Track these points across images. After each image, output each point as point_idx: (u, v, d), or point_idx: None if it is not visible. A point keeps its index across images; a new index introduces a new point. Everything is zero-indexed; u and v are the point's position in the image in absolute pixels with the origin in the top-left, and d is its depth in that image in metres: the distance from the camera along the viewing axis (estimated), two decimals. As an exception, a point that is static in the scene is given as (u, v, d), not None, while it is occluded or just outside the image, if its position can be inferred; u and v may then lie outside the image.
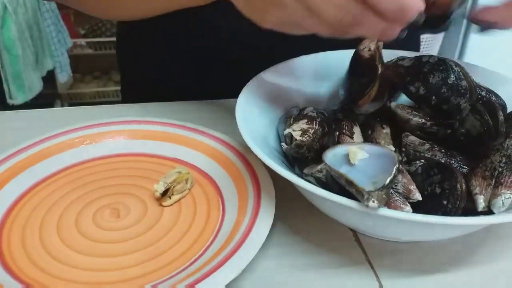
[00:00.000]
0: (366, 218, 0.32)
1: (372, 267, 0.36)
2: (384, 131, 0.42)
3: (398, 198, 0.32)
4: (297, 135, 0.37)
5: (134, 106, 0.58)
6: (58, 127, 0.47)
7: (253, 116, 0.42)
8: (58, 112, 0.57)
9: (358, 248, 0.38)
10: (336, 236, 0.39)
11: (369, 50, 0.45)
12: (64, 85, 2.27)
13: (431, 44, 2.18)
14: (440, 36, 2.20)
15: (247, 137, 0.37)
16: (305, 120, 0.38)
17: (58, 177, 0.43)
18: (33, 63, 1.65)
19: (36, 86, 1.67)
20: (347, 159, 0.34)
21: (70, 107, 0.59)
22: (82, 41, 2.34)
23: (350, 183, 0.30)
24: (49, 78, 1.91)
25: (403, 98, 0.46)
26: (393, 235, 0.36)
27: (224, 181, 0.43)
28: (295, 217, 0.41)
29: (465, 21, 2.08)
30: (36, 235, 0.37)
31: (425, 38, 2.14)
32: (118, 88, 0.83)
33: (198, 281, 0.31)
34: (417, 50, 0.75)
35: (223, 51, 0.58)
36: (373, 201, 0.28)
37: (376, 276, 0.36)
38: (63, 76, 1.95)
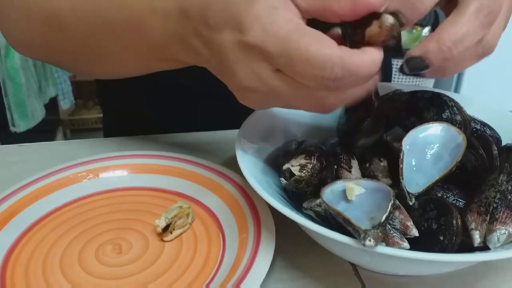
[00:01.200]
0: (364, 254, 0.33)
1: (372, 302, 0.37)
2: (382, 164, 0.43)
3: (395, 234, 0.33)
4: (295, 170, 0.38)
5: (135, 138, 0.58)
6: (60, 161, 0.48)
7: (252, 151, 0.42)
8: (58, 146, 0.58)
9: (358, 282, 0.38)
10: (336, 270, 0.40)
11: (366, 84, 0.46)
12: (66, 111, 2.30)
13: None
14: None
15: (247, 173, 0.38)
16: (304, 155, 0.39)
17: (61, 212, 0.44)
18: (36, 91, 1.67)
19: (38, 114, 1.69)
20: (344, 195, 0.35)
21: (71, 140, 0.59)
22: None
23: (347, 221, 0.31)
24: (51, 105, 1.93)
25: (399, 131, 0.47)
26: (391, 270, 0.36)
27: (225, 214, 0.43)
28: (295, 251, 0.41)
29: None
30: (39, 272, 0.38)
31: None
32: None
33: (199, 319, 0.31)
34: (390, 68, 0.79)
35: (212, 84, 0.59)
36: (369, 240, 0.28)
37: (376, 311, 0.36)
38: (66, 103, 1.97)
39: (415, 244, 0.33)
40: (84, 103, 2.54)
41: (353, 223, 0.30)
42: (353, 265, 0.40)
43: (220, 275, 0.37)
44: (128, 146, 0.55)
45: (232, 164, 0.50)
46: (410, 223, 0.33)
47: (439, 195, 0.38)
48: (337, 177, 0.41)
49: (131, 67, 0.48)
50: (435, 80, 2.22)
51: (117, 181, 0.48)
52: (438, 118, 0.41)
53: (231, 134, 0.59)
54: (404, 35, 2.19)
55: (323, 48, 0.30)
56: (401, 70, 0.37)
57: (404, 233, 0.33)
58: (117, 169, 0.48)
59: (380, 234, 0.29)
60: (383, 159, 0.43)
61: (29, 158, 0.55)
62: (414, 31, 2.24)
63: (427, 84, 2.18)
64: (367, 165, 0.43)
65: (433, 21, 2.25)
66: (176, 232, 0.41)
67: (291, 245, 0.41)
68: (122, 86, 0.67)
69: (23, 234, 0.41)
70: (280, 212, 0.40)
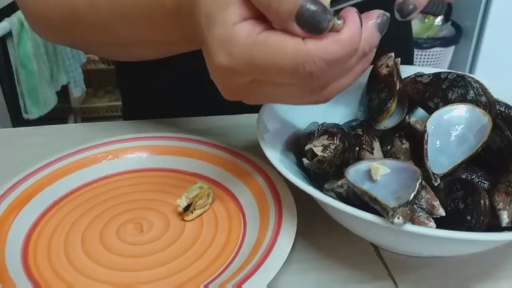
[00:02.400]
0: (389, 234, 0.32)
1: (395, 282, 0.36)
2: (404, 146, 0.42)
3: (421, 213, 0.32)
4: (318, 150, 0.37)
5: (152, 121, 0.58)
6: (78, 143, 0.48)
7: (272, 133, 0.42)
8: (76, 128, 0.58)
9: (380, 263, 0.38)
10: (357, 251, 0.39)
11: (387, 66, 0.45)
12: (78, 99, 2.30)
13: (441, 57, 2.18)
14: (450, 50, 2.20)
15: (269, 153, 0.37)
16: (326, 136, 0.39)
17: (81, 192, 0.44)
18: (48, 78, 1.68)
19: (51, 101, 1.69)
20: (368, 175, 0.35)
21: (87, 123, 0.59)
22: (95, 56, 2.37)
23: (374, 200, 0.30)
24: (63, 93, 1.94)
25: (421, 113, 0.47)
26: (416, 251, 0.36)
27: (245, 196, 0.43)
28: (315, 233, 0.41)
29: (476, 34, 2.09)
30: (61, 249, 0.38)
31: (435, 52, 2.14)
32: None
33: (223, 296, 0.31)
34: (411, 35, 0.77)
35: None
36: (398, 218, 0.28)
37: (399, 291, 0.36)
38: (77, 91, 1.98)
39: (441, 225, 0.32)
40: (95, 92, 2.55)
41: (381, 201, 0.30)
42: (375, 247, 0.40)
43: (241, 254, 0.37)
44: (145, 130, 0.55)
45: (252, 147, 0.50)
46: (436, 203, 0.33)
47: (463, 176, 0.37)
48: (359, 159, 0.40)
49: (149, 51, 0.49)
50: (449, 63, 2.20)
51: (136, 162, 0.48)
52: (462, 100, 0.40)
53: (251, 118, 0.59)
54: (417, 24, 2.17)
55: (288, 51, 0.29)
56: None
57: (430, 212, 0.33)
58: (136, 151, 0.48)
59: (408, 212, 0.29)
60: (405, 141, 0.42)
61: (45, 140, 0.55)
62: (426, 20, 2.21)
63: (441, 66, 2.16)
64: (389, 147, 0.43)
65: (446, 11, 2.22)
66: (197, 212, 0.41)
67: (312, 226, 0.41)
68: (142, 73, 0.67)
69: (44, 212, 0.41)
70: (300, 195, 0.40)
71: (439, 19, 2.22)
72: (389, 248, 0.38)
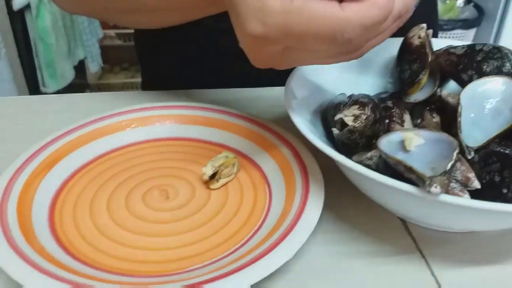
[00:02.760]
0: (422, 205, 0.32)
1: (423, 256, 0.36)
2: (434, 120, 0.41)
3: (456, 185, 0.32)
4: (349, 120, 0.37)
5: (176, 92, 0.58)
6: (102, 110, 0.48)
7: (300, 101, 0.41)
8: (98, 97, 0.58)
9: (408, 237, 0.38)
10: (384, 225, 0.39)
11: (419, 37, 0.44)
12: (94, 75, 2.31)
13: (462, 39, 2.13)
14: (471, 32, 2.15)
15: (296, 120, 0.37)
16: (357, 106, 0.38)
17: (105, 158, 0.44)
18: (66, 52, 1.68)
19: (68, 75, 1.70)
20: (401, 146, 0.34)
21: (109, 92, 0.59)
22: (112, 32, 2.36)
23: (410, 169, 0.29)
24: (79, 69, 1.94)
25: (451, 87, 0.45)
26: (448, 224, 0.35)
27: (271, 167, 0.43)
28: (341, 206, 0.40)
29: (498, 17, 2.04)
30: (86, 213, 0.38)
31: (456, 34, 2.10)
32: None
33: (251, 262, 0.31)
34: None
35: None
36: (436, 187, 0.27)
37: (428, 265, 0.35)
38: (94, 66, 1.98)
39: (475, 198, 0.32)
40: (110, 68, 2.55)
41: (417, 171, 0.29)
42: (402, 221, 0.39)
43: (268, 223, 0.36)
44: (169, 100, 0.55)
45: (278, 119, 0.50)
46: (471, 175, 0.32)
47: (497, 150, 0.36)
48: (388, 131, 0.39)
49: (171, 17, 0.49)
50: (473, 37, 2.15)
51: (161, 130, 0.47)
52: (498, 72, 0.39)
53: (274, 90, 0.58)
54: (438, 5, 2.12)
55: (326, 19, 0.28)
56: None
57: (465, 185, 0.32)
58: (160, 120, 0.48)
59: (446, 181, 0.28)
60: (436, 115, 0.41)
61: (67, 108, 0.55)
62: (448, 1, 2.16)
63: (466, 38, 2.11)
64: (419, 121, 0.42)
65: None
66: (222, 181, 0.41)
67: (338, 199, 0.41)
68: (165, 49, 0.66)
69: (69, 177, 0.41)
70: (325, 168, 0.39)
71: (461, 0, 2.17)
72: (418, 221, 0.37)
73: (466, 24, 2.10)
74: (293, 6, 0.28)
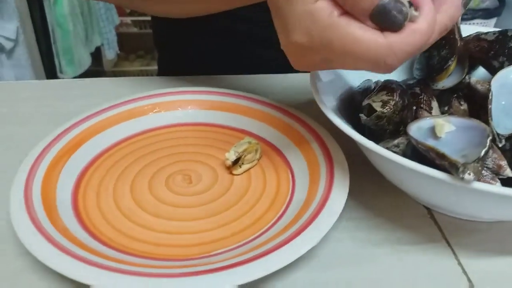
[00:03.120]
0: (451, 193, 0.31)
1: (450, 245, 0.35)
2: (462, 107, 0.40)
3: (487, 173, 0.31)
4: (377, 106, 0.36)
5: (197, 78, 0.58)
6: (124, 95, 0.48)
7: (326, 86, 0.41)
8: (120, 81, 0.58)
9: (433, 225, 0.37)
10: (409, 213, 0.38)
11: (448, 23, 0.43)
12: (110, 62, 2.32)
13: (482, 30, 2.09)
14: (491, 22, 2.11)
15: (324, 107, 0.36)
16: (385, 92, 0.37)
17: (128, 142, 0.44)
18: (83, 39, 1.69)
19: (85, 61, 1.70)
20: (431, 133, 0.33)
21: (131, 77, 0.59)
22: (128, 20, 2.37)
23: (442, 155, 0.29)
24: (95, 56, 1.95)
25: (479, 74, 0.44)
26: (477, 213, 0.35)
27: (293, 154, 0.42)
28: (366, 193, 0.40)
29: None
30: (110, 196, 0.38)
31: (476, 24, 2.06)
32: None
33: (276, 248, 0.31)
34: None
35: (265, 29, 0.57)
36: (469, 173, 0.27)
37: (454, 253, 0.35)
38: (111, 53, 1.98)
39: (506, 186, 0.31)
40: (126, 56, 2.56)
41: (449, 157, 0.28)
42: (428, 209, 0.39)
43: (292, 209, 0.36)
44: (189, 85, 0.54)
45: (301, 106, 0.49)
46: (504, 163, 0.31)
47: (528, 139, 0.35)
48: (416, 118, 0.39)
49: (197, 5, 0.48)
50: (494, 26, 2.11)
51: (183, 116, 0.47)
52: (531, 59, 0.38)
53: (297, 77, 0.58)
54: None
55: (370, 45, 0.28)
56: None
57: (496, 173, 0.31)
58: (183, 105, 0.48)
59: (479, 168, 0.27)
60: (463, 103, 0.41)
61: (89, 92, 0.55)
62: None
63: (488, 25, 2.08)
64: (446, 108, 0.41)
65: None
66: (245, 167, 0.40)
67: (362, 186, 0.40)
68: (184, 36, 0.66)
69: (93, 160, 0.41)
70: (349, 154, 0.39)
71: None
72: (446, 210, 0.37)
73: (486, 13, 2.06)
74: (340, 22, 0.29)
